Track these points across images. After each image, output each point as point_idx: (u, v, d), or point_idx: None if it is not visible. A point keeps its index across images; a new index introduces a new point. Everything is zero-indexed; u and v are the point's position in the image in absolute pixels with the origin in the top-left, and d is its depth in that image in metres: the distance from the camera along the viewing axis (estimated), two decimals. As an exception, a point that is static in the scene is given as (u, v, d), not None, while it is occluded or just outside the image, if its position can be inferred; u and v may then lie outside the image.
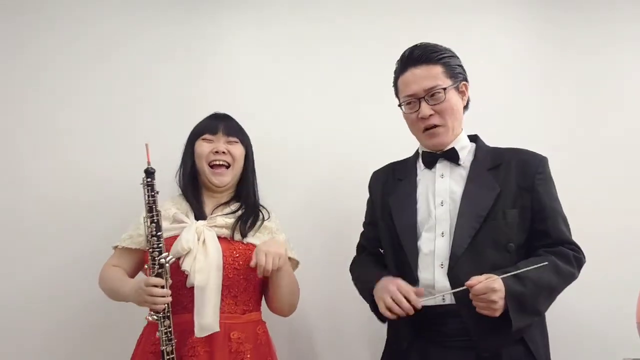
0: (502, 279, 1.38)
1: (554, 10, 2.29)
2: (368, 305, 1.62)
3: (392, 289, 1.46)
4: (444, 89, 1.55)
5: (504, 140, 1.65)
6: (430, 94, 1.56)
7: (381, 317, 1.56)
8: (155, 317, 1.50)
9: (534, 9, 2.30)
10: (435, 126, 1.58)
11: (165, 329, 1.50)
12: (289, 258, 1.74)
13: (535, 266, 1.39)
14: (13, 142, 2.05)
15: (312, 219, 2.03)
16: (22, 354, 1.93)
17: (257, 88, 2.18)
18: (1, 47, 2.09)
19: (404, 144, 1.73)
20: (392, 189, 1.68)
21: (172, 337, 1.51)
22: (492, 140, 1.66)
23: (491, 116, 2.10)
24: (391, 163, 1.77)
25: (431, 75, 1.56)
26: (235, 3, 2.24)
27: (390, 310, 1.46)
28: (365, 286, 1.63)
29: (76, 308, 1.99)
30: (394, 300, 1.45)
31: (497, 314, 1.38)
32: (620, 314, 1.85)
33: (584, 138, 2.21)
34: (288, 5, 2.25)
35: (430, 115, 1.57)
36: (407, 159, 1.73)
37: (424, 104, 1.57)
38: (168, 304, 1.51)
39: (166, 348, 1.50)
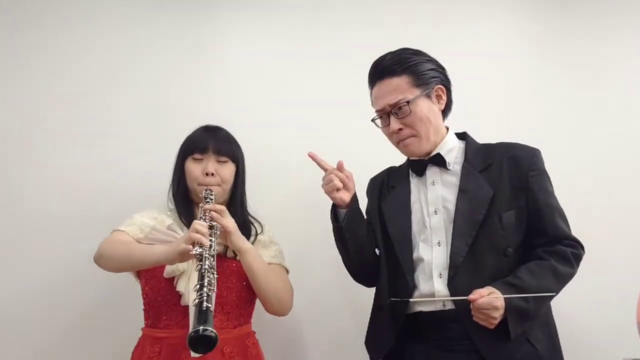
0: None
1: (555, 10, 2.30)
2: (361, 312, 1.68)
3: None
4: (408, 101, 1.53)
5: (503, 139, 1.64)
6: (397, 108, 1.55)
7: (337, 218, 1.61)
8: (200, 249, 1.44)
9: (534, 8, 2.31)
10: (408, 137, 1.57)
11: (210, 262, 1.42)
12: (282, 265, 1.77)
13: (543, 294, 1.39)
14: (14, 141, 2.08)
15: (306, 224, 2.03)
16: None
17: (256, 89, 2.20)
18: (11, 47, 2.13)
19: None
20: (386, 197, 1.67)
21: (215, 273, 1.41)
22: (492, 140, 1.65)
23: (491, 116, 2.11)
24: (387, 169, 1.77)
25: (395, 89, 1.55)
26: (234, 5, 2.26)
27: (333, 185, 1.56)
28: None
29: (70, 314, 2.00)
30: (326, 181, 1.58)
31: (493, 327, 1.39)
32: (620, 314, 1.82)
33: (585, 138, 2.20)
34: (285, 7, 2.27)
35: (400, 129, 1.56)
36: (402, 164, 1.73)
37: (392, 119, 1.57)
38: (213, 243, 1.48)
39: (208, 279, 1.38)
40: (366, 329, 1.67)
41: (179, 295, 1.60)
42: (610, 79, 2.25)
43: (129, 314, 1.79)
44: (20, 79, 2.12)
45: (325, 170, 1.59)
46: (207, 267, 1.37)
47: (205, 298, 1.27)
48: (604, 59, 2.26)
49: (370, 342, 1.64)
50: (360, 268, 1.68)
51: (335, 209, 1.61)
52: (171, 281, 1.61)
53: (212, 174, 1.70)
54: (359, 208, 1.63)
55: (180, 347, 1.56)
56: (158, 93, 2.16)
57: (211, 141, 1.73)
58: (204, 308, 1.25)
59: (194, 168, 1.72)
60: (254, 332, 1.75)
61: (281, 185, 2.12)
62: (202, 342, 1.21)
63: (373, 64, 1.61)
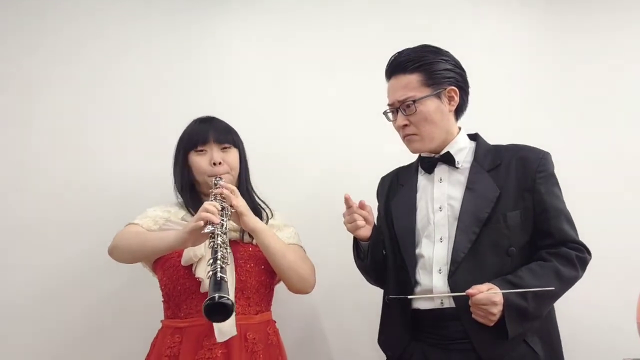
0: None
1: (557, 10, 2.30)
2: (379, 301, 1.68)
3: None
4: (414, 101, 1.55)
5: (504, 140, 1.65)
6: (405, 105, 1.56)
7: (359, 254, 1.66)
8: (212, 228, 1.43)
9: (536, 9, 2.31)
10: (411, 134, 1.60)
11: (223, 238, 1.42)
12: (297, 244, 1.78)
13: (541, 289, 1.38)
14: (16, 140, 2.10)
15: (319, 218, 2.03)
16: (25, 355, 1.97)
17: (261, 86, 2.21)
18: (6, 48, 2.14)
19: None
20: (394, 194, 1.69)
21: (228, 249, 1.43)
22: (493, 141, 1.66)
23: (493, 117, 2.08)
24: (397, 168, 1.79)
25: (404, 86, 1.57)
26: (236, 3, 2.28)
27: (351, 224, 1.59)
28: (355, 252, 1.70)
29: (86, 308, 2.02)
30: (348, 220, 1.60)
31: (492, 324, 1.39)
32: (620, 314, 1.82)
33: (586, 138, 2.19)
34: (291, 5, 2.30)
35: (405, 125, 1.58)
36: (411, 163, 1.74)
37: (399, 114, 1.59)
38: (225, 221, 1.49)
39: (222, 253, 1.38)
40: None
41: (198, 283, 1.59)
42: (614, 78, 2.24)
43: (146, 309, 1.81)
44: (12, 79, 2.13)
45: (349, 207, 1.61)
46: (219, 242, 1.38)
47: (219, 269, 1.27)
48: (609, 58, 2.25)
49: (383, 340, 1.64)
50: (376, 281, 1.73)
51: (357, 242, 1.66)
52: (189, 269, 1.61)
53: (220, 163, 1.71)
54: (378, 236, 1.65)
55: (202, 334, 1.57)
56: (151, 93, 2.17)
57: (211, 131, 1.74)
58: (219, 278, 1.24)
59: (200, 161, 1.72)
60: (275, 321, 1.74)
61: (283, 184, 2.11)
62: (218, 311, 1.20)
63: (390, 58, 1.62)
